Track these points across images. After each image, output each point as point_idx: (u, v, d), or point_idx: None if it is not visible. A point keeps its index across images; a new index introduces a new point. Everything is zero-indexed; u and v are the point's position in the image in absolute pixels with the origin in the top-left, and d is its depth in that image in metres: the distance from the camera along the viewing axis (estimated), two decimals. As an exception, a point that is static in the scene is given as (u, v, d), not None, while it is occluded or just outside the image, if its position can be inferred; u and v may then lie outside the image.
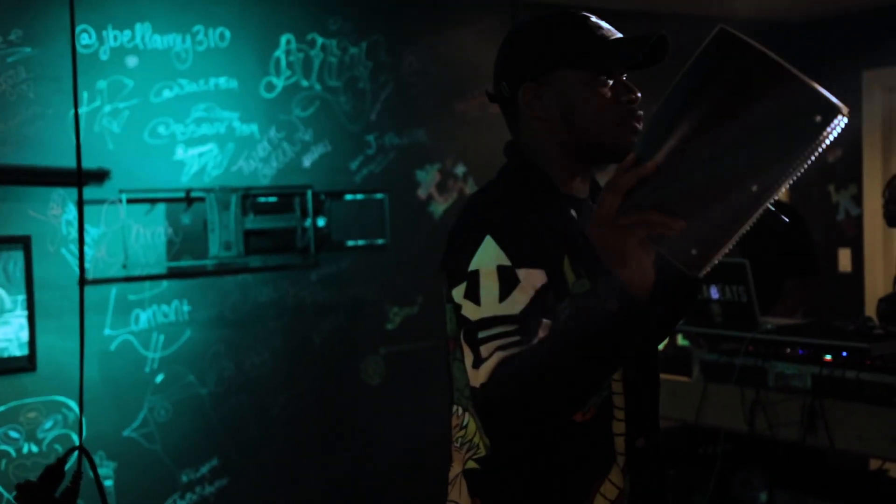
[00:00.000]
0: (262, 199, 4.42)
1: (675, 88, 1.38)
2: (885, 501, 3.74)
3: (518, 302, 1.51)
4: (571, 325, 1.45)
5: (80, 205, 1.41)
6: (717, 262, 1.33)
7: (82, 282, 1.39)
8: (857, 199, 6.05)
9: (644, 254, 1.38)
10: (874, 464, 4.27)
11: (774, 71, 1.29)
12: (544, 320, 1.52)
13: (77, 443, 3.99)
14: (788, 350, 3.60)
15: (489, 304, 1.52)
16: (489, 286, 1.53)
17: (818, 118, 1.26)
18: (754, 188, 1.28)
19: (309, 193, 4.49)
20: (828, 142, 1.27)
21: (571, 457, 1.63)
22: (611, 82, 1.68)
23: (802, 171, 1.29)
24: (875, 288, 5.91)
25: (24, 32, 3.90)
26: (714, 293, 3.78)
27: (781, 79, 1.28)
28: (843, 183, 6.12)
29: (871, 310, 5.73)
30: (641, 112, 1.69)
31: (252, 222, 4.37)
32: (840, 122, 1.27)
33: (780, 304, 4.70)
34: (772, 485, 3.99)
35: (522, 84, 1.70)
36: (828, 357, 3.46)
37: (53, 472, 1.57)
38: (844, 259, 6.11)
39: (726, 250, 1.33)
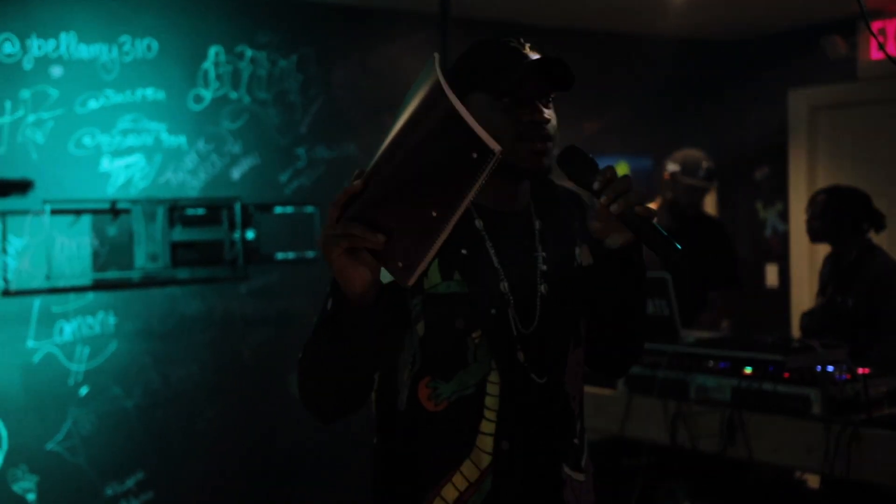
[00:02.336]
0: (190, 211, 4.36)
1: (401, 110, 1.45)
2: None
3: None
4: (319, 319, 1.64)
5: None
6: (420, 272, 1.43)
7: None
8: (784, 216, 6.14)
9: (349, 262, 1.46)
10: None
11: (444, 109, 1.36)
12: None
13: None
14: (710, 363, 3.63)
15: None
16: None
17: (474, 156, 1.35)
18: (434, 213, 1.39)
19: (238, 205, 4.45)
20: (485, 175, 1.36)
21: (424, 443, 1.75)
22: (517, 103, 1.76)
23: (472, 197, 1.37)
24: (801, 303, 5.99)
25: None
26: (637, 306, 3.81)
27: (446, 118, 1.36)
28: (770, 200, 6.21)
29: (797, 324, 5.83)
30: (547, 131, 1.76)
31: (179, 234, 4.32)
32: (494, 160, 1.35)
33: (705, 316, 4.75)
34: (693, 497, 4.02)
35: None
36: (747, 370, 3.50)
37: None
38: (771, 274, 6.20)
39: (425, 265, 1.43)
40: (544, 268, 1.83)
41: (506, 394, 1.74)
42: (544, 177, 1.83)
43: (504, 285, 1.78)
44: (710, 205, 5.99)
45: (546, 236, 1.86)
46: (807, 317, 4.21)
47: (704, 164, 4.44)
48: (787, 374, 3.38)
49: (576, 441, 1.85)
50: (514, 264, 1.81)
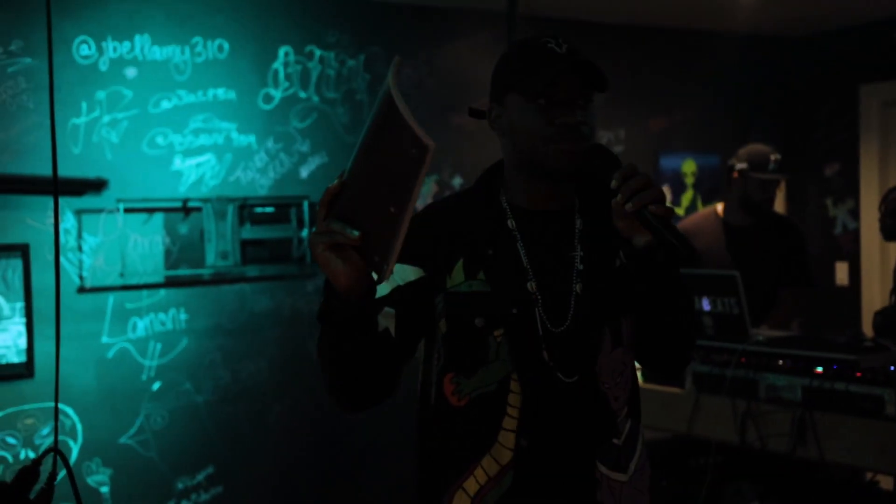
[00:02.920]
0: (259, 210, 4.43)
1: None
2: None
3: (382, 289, 1.77)
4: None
5: (56, 212, 1.42)
6: (391, 266, 1.48)
7: (59, 289, 1.40)
8: (855, 213, 6.03)
9: (332, 257, 1.51)
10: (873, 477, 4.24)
11: (390, 109, 1.43)
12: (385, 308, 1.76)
13: (74, 449, 4.01)
14: (780, 362, 3.58)
15: None
16: None
17: (413, 151, 1.38)
18: (392, 209, 1.43)
19: (306, 204, 4.50)
20: (424, 170, 1.40)
21: (450, 436, 1.81)
22: (551, 104, 1.77)
23: (418, 192, 1.41)
24: (872, 301, 5.89)
25: (25, 43, 3.92)
26: (706, 305, 3.77)
27: (393, 116, 1.42)
28: (840, 197, 6.10)
29: (868, 323, 5.72)
30: (580, 133, 1.76)
31: (249, 232, 4.38)
32: (429, 155, 1.38)
33: (774, 315, 4.68)
34: (762, 497, 3.97)
35: (490, 104, 1.88)
36: (819, 369, 3.44)
37: (28, 473, 1.57)
38: (842, 272, 6.09)
39: (393, 259, 1.47)
40: (581, 267, 1.83)
41: (528, 392, 1.76)
42: (573, 177, 1.83)
43: (531, 284, 1.79)
44: (779, 201, 5.90)
45: (587, 236, 1.85)
46: (879, 316, 4.12)
47: (773, 157, 4.37)
48: (859, 374, 3.32)
49: (616, 441, 1.84)
50: (546, 263, 1.82)
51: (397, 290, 1.78)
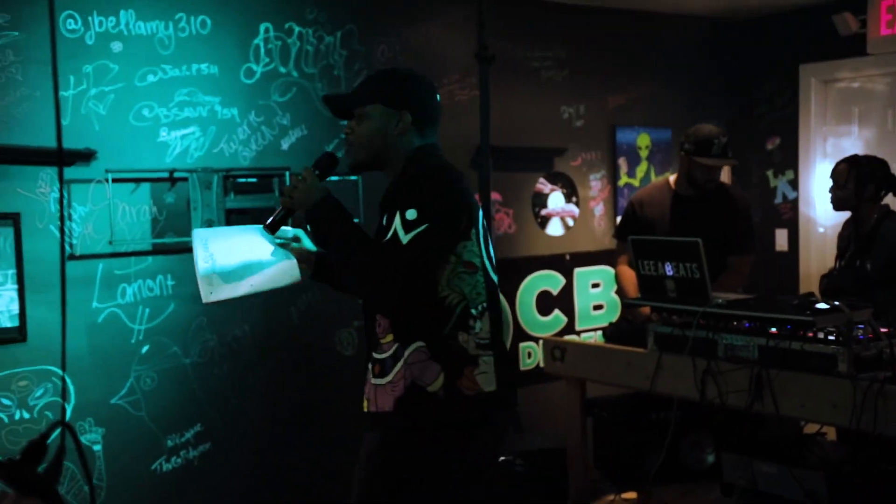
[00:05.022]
0: (243, 180, 4.26)
1: None
2: (818, 460, 3.68)
3: None
4: None
5: (61, 181, 1.29)
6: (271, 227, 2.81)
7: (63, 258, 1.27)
8: (794, 184, 6.01)
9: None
10: (810, 428, 4.22)
11: None
12: None
13: (68, 410, 3.84)
14: (735, 323, 3.51)
15: None
16: None
17: None
18: None
19: (287, 175, 4.34)
20: None
21: None
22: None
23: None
24: (808, 266, 5.88)
25: (12, 17, 3.72)
26: (669, 270, 3.68)
27: None
28: (780, 169, 6.08)
29: (804, 286, 5.70)
30: (347, 141, 2.66)
31: (233, 201, 4.22)
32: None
33: (722, 281, 4.63)
34: (718, 447, 3.92)
35: None
36: (773, 329, 3.38)
37: (36, 447, 1.44)
38: (781, 239, 6.07)
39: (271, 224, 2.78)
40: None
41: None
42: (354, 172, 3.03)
43: None
44: (725, 172, 5.84)
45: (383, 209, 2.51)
46: (826, 279, 4.10)
47: (716, 142, 4.30)
48: (811, 334, 3.26)
49: (374, 354, 2.51)
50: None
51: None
